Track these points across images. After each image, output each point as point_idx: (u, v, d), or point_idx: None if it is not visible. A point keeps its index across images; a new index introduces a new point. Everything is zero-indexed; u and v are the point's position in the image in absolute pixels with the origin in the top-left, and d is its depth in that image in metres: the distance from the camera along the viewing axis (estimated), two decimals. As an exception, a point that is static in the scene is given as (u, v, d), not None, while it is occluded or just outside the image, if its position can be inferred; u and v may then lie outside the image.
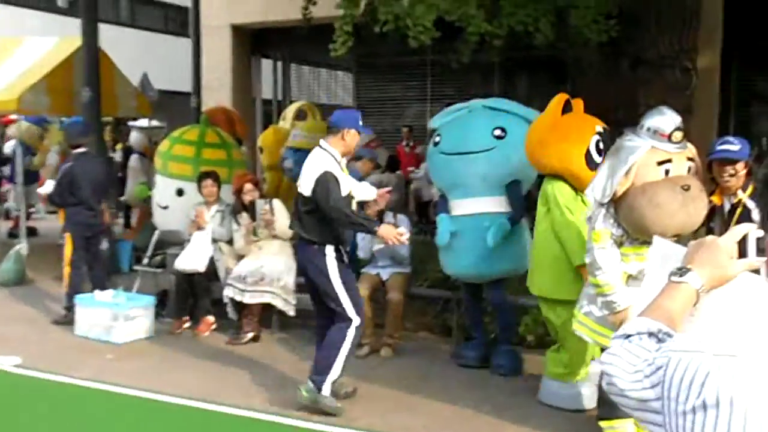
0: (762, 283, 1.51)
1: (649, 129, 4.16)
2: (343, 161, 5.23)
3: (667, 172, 4.12)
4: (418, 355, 6.49)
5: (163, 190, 8.09)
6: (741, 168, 4.28)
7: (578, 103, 5.29)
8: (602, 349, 4.38)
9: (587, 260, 4.27)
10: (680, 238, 4.15)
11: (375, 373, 5.98)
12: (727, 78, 11.58)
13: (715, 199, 4.40)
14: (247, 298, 6.78)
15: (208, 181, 7.32)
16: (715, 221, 4.38)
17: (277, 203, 7.11)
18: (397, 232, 5.09)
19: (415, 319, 7.25)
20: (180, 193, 7.87)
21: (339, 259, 5.18)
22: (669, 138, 4.10)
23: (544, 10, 5.93)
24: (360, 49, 6.25)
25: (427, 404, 5.38)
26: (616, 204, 4.18)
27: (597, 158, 4.92)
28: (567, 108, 5.18)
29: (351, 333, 5.12)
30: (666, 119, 4.14)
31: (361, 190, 5.50)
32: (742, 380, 1.13)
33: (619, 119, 6.48)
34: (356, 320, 5.13)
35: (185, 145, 8.11)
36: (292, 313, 6.90)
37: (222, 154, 8.16)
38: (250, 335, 6.86)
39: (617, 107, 6.45)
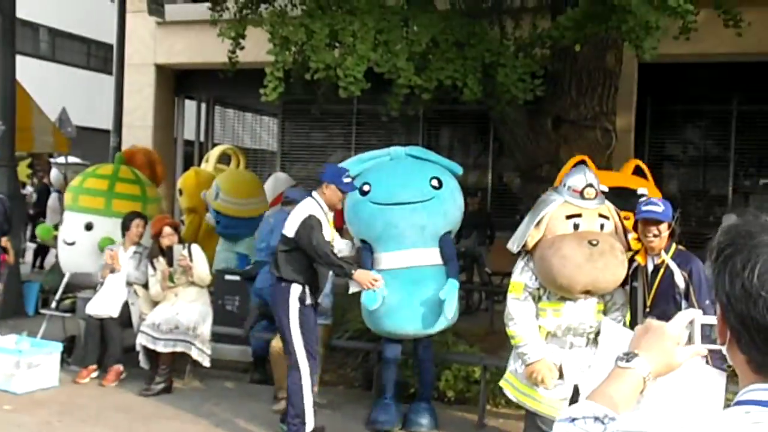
0: (709, 371, 1.51)
1: (565, 185, 4.31)
2: (330, 214, 5.45)
3: (576, 226, 4.24)
4: (336, 409, 6.34)
5: (70, 225, 7.81)
6: (664, 229, 4.37)
7: (591, 165, 5.20)
8: None
9: (506, 320, 4.31)
10: (591, 294, 4.22)
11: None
12: (641, 140, 12.05)
13: (640, 258, 4.47)
14: (160, 347, 6.51)
15: (140, 222, 7.08)
16: (638, 281, 4.45)
17: (195, 248, 6.90)
18: (372, 278, 5.25)
19: (335, 371, 7.10)
20: (89, 227, 7.61)
21: (302, 300, 5.28)
22: (581, 194, 4.24)
23: (471, 66, 6.02)
24: (287, 94, 6.19)
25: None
26: (532, 256, 4.26)
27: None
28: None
29: (305, 383, 5.22)
30: (580, 177, 4.30)
31: (339, 246, 5.69)
32: None
33: (542, 176, 6.63)
34: (304, 368, 5.21)
35: (98, 179, 7.91)
36: (207, 363, 6.66)
37: (136, 189, 7.99)
38: (162, 386, 6.57)
39: (541, 164, 6.56)
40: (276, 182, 10.91)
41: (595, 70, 6.53)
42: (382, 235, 5.65)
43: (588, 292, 4.24)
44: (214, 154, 10.49)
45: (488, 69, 6.09)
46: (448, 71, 5.91)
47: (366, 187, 5.75)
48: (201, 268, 6.71)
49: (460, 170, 6.02)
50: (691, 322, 1.50)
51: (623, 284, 4.36)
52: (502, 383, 4.56)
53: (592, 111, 6.58)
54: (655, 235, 4.37)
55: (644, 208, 4.46)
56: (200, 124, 15.79)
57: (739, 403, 1.16)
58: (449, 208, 5.72)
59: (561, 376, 4.33)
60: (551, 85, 6.41)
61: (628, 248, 4.37)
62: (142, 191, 7.99)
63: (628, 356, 1.46)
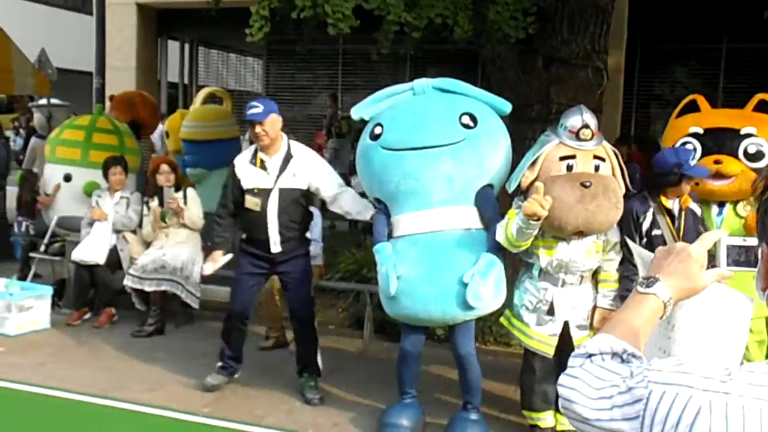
0: (734, 295, 1.45)
1: (562, 125, 4.28)
2: (267, 156, 5.12)
3: (569, 167, 4.21)
4: (328, 350, 6.38)
5: (49, 177, 7.71)
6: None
7: (703, 103, 4.96)
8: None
9: (501, 239, 4.25)
10: (584, 235, 4.23)
11: (282, 369, 5.84)
12: (630, 79, 11.98)
13: (664, 201, 4.50)
14: (146, 286, 6.50)
15: (117, 168, 6.97)
16: (661, 226, 4.47)
17: (191, 192, 6.82)
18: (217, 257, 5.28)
19: (325, 312, 7.14)
20: (67, 178, 7.52)
21: (242, 249, 5.31)
22: (577, 135, 4.21)
23: (462, 3, 5.90)
24: (273, 34, 6.06)
25: (337, 400, 5.28)
26: (527, 196, 4.24)
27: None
28: (694, 108, 4.95)
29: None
30: (577, 117, 4.27)
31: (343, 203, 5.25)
32: (735, 422, 1.02)
33: (533, 116, 6.57)
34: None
35: (75, 130, 7.77)
36: (196, 305, 6.68)
37: (113, 139, 7.81)
38: (154, 327, 6.60)
39: (531, 104, 6.50)
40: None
41: (587, 7, 6.41)
42: (397, 191, 4.45)
43: (580, 233, 4.25)
44: (200, 95, 10.33)
45: (479, 6, 5.98)
46: (439, 8, 5.78)
47: (377, 129, 4.57)
48: (194, 211, 6.66)
49: (507, 107, 4.64)
50: (716, 244, 1.43)
51: (619, 224, 4.35)
52: (501, 319, 4.61)
53: (584, 49, 6.48)
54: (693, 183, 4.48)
55: (694, 163, 4.42)
56: (184, 66, 15.55)
57: None
58: (487, 153, 4.43)
59: (552, 312, 4.37)
60: (542, 23, 6.30)
61: (627, 190, 4.35)
62: (120, 141, 7.84)
63: (649, 281, 1.39)
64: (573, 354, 1.33)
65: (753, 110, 4.82)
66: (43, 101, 10.59)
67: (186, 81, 15.67)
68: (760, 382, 1.04)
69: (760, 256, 1.13)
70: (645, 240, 4.44)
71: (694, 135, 4.68)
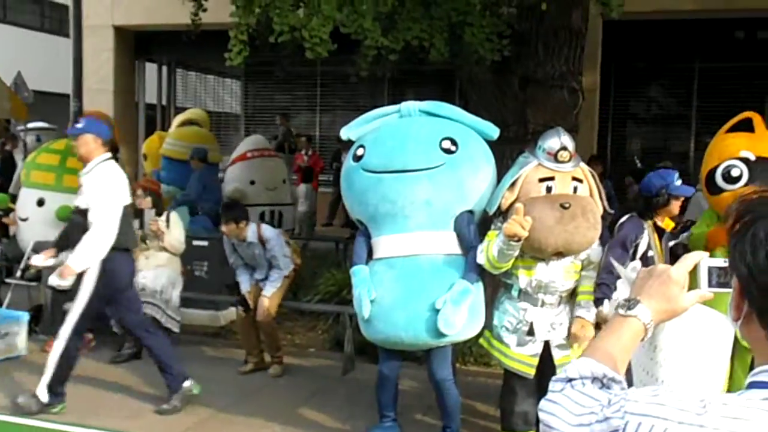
0: (716, 316, 1.45)
1: (540, 147, 4.32)
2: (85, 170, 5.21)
3: (549, 189, 4.25)
4: (308, 372, 6.37)
5: (24, 201, 7.63)
6: None
7: (759, 124, 4.52)
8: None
9: (482, 261, 4.28)
10: (563, 255, 4.27)
11: (262, 393, 5.82)
12: (606, 99, 12.13)
13: (665, 224, 4.72)
14: None
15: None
16: (653, 250, 4.61)
17: (174, 216, 6.77)
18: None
19: (305, 334, 7.12)
20: (40, 203, 7.44)
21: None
22: (555, 157, 4.26)
23: (439, 26, 5.96)
24: (250, 57, 6.08)
25: (317, 424, 5.25)
26: (506, 218, 4.27)
27: (720, 182, 4.41)
28: (747, 127, 4.48)
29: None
30: (555, 139, 4.31)
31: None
32: None
33: (510, 136, 6.61)
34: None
35: (50, 154, 7.67)
36: (176, 329, 6.63)
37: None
38: (131, 351, 6.54)
39: (508, 125, 6.55)
40: (248, 142, 10.90)
41: (562, 29, 6.50)
42: (376, 213, 4.44)
43: (560, 254, 4.28)
44: (178, 119, 10.36)
45: (455, 28, 6.04)
46: (415, 31, 5.84)
47: (360, 151, 4.56)
48: (175, 235, 6.63)
49: (494, 132, 4.62)
50: (697, 265, 1.43)
51: (602, 243, 4.41)
52: (481, 340, 4.61)
53: (559, 70, 6.56)
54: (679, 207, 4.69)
55: (679, 185, 4.66)
56: (162, 88, 15.52)
57: (756, 384, 1.09)
58: (467, 178, 4.38)
59: (532, 333, 4.38)
60: (518, 45, 6.38)
61: (604, 210, 4.42)
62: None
63: (630, 303, 1.39)
64: (554, 378, 1.33)
65: None
66: (33, 124, 10.51)
67: (164, 102, 15.64)
68: (734, 415, 1.04)
69: (732, 289, 1.14)
70: (639, 259, 4.55)
71: (744, 160, 4.26)
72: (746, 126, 4.36)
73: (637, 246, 4.54)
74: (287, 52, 6.45)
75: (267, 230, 6.21)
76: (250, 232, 6.09)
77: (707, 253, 1.45)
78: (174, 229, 6.68)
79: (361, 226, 4.68)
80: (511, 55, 6.30)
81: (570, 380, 1.30)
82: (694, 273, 1.45)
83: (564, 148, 4.27)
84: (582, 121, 7.24)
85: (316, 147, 13.70)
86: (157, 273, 6.60)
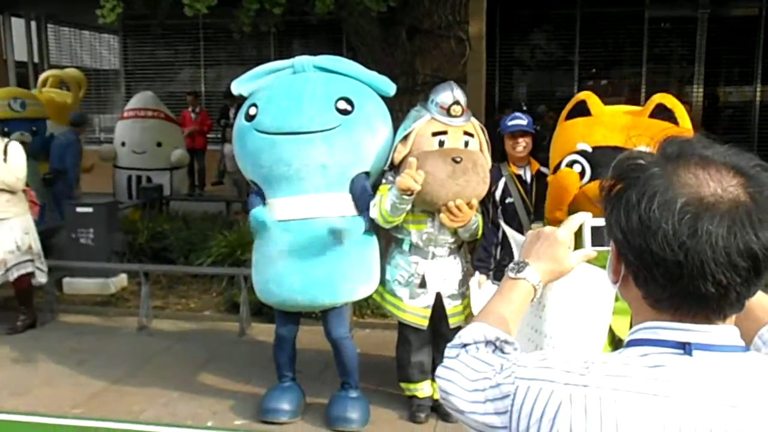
0: (600, 273, 1.50)
1: (433, 101, 4.31)
2: None
3: (441, 143, 4.26)
4: (205, 336, 6.25)
5: None
6: (530, 141, 4.66)
7: (594, 105, 4.10)
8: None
9: (375, 215, 4.26)
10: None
11: (157, 360, 5.67)
12: (492, 46, 12.26)
13: (512, 169, 4.70)
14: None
15: None
16: (513, 195, 4.66)
17: (14, 145, 6.06)
18: None
19: (199, 297, 6.97)
20: None
21: None
22: (448, 111, 4.26)
23: (322, -24, 5.80)
24: (127, 10, 5.75)
25: (215, 388, 5.17)
26: (398, 171, 4.26)
27: None
28: (583, 110, 4.10)
29: None
30: (447, 93, 4.31)
31: None
32: (593, 413, 1.05)
33: (400, 87, 6.55)
34: None
35: None
36: (43, 279, 6.31)
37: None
38: (28, 321, 6.27)
39: (396, 76, 6.49)
40: (132, 101, 10.52)
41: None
42: (270, 176, 4.30)
43: (448, 205, 4.30)
44: (40, 80, 9.82)
45: (339, -21, 5.90)
46: (299, -17, 5.68)
47: (252, 110, 4.36)
48: (13, 169, 5.98)
49: (390, 88, 4.49)
50: (581, 226, 1.48)
51: (482, 200, 4.44)
52: (374, 294, 4.62)
53: (446, 20, 6.54)
54: (524, 147, 4.65)
55: (510, 123, 4.68)
56: (32, 44, 14.65)
57: (634, 342, 1.12)
58: (363, 139, 4.28)
59: (424, 285, 4.43)
60: (404, -6, 6.31)
61: (494, 163, 4.48)
62: None
63: (519, 266, 1.45)
64: (449, 345, 1.35)
65: (650, 116, 3.93)
66: None
67: (36, 60, 14.77)
68: (615, 373, 1.07)
69: (610, 252, 1.16)
70: (500, 208, 4.66)
71: (582, 153, 3.95)
72: (582, 109, 4.11)
73: (494, 192, 4.62)
74: (164, 8, 6.15)
75: None
76: None
77: (590, 214, 1.49)
78: (13, 161, 6.02)
79: (255, 187, 4.51)
80: (397, 5, 6.22)
81: (464, 345, 1.32)
82: (579, 233, 1.48)
83: (457, 103, 4.28)
84: (470, 70, 7.26)
85: (202, 104, 13.28)
86: (2, 229, 6.05)
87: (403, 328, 4.62)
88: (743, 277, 1.03)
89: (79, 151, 9.00)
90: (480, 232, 4.50)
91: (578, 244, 1.49)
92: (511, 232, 1.79)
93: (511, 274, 1.44)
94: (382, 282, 4.59)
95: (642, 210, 1.05)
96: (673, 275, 1.04)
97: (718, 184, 1.03)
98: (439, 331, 4.50)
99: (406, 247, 4.47)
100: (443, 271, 4.46)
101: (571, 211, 3.57)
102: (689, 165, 1.06)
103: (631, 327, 1.16)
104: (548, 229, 1.50)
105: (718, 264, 1.01)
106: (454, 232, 4.40)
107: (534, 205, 4.63)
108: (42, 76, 10.20)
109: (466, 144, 4.33)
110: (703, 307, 1.06)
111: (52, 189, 8.71)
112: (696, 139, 1.11)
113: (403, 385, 4.74)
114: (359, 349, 4.82)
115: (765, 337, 1.28)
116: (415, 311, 4.47)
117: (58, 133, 9.02)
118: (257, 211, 4.28)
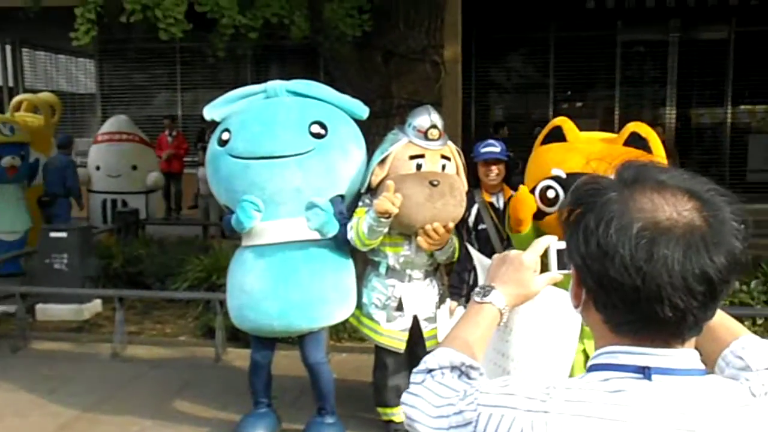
0: (566, 295, 1.51)
1: (410, 125, 4.32)
2: None
3: (419, 167, 4.27)
4: (178, 362, 6.18)
5: None
6: (503, 168, 4.73)
7: (569, 130, 3.96)
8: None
9: (352, 238, 4.26)
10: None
11: (130, 388, 5.60)
12: (468, 69, 12.36)
13: (485, 197, 4.75)
14: None
15: None
16: (486, 221, 4.71)
17: None
18: None
19: (175, 322, 6.91)
20: None
21: None
22: (425, 135, 4.27)
23: (298, 2, 5.84)
24: (103, 33, 5.75)
25: (190, 416, 5.10)
26: (375, 195, 4.26)
27: (540, 205, 3.83)
28: (558, 136, 3.97)
29: None
30: (425, 117, 4.32)
31: None
32: None
33: (376, 111, 6.60)
34: None
35: None
36: None
37: None
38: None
39: (373, 100, 6.53)
40: (106, 124, 10.49)
41: (422, 2, 6.53)
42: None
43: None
44: (12, 104, 9.75)
45: (315, 4, 5.94)
46: (274, 8, 5.69)
47: (225, 135, 4.34)
48: None
49: (363, 111, 4.52)
50: (547, 249, 1.48)
51: (456, 225, 4.45)
52: (350, 318, 4.61)
53: (421, 44, 6.60)
54: (496, 174, 4.72)
55: (483, 150, 4.72)
56: (7, 68, 14.59)
57: (595, 367, 1.12)
58: (337, 163, 4.29)
59: (401, 308, 4.42)
60: (379, 19, 6.35)
61: (468, 189, 4.51)
62: None
63: (485, 290, 1.44)
64: (414, 370, 1.34)
65: (624, 144, 3.80)
66: None
67: (11, 84, 14.70)
68: (576, 398, 1.07)
69: (571, 277, 1.17)
70: (473, 235, 4.69)
71: (557, 179, 3.85)
72: (557, 135, 4.01)
73: (467, 219, 4.65)
74: (140, 32, 6.16)
75: None
76: None
77: (555, 237, 1.49)
78: None
79: (229, 211, 4.45)
80: (372, 30, 6.27)
81: (430, 371, 1.31)
82: (545, 256, 1.49)
83: (434, 126, 4.29)
84: (446, 94, 7.32)
85: (179, 127, 13.25)
86: None
87: (380, 351, 4.59)
88: (700, 301, 1.03)
89: (76, 170, 9.02)
90: (456, 254, 4.51)
91: (544, 267, 1.49)
92: (477, 255, 1.80)
93: (477, 299, 1.43)
94: (359, 305, 4.58)
95: (600, 235, 1.05)
96: (631, 300, 1.04)
97: (673, 208, 1.04)
98: (416, 355, 4.47)
99: (382, 270, 4.46)
100: (420, 293, 4.45)
101: (541, 234, 3.59)
102: (645, 189, 1.07)
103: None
104: (514, 252, 1.49)
105: (675, 288, 1.02)
106: (431, 255, 4.41)
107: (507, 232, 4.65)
108: (14, 100, 10.12)
109: (443, 167, 4.35)
110: (661, 332, 1.07)
111: (45, 212, 8.66)
112: (652, 164, 1.12)
113: (380, 409, 4.71)
114: (336, 374, 4.79)
115: (728, 359, 1.29)
116: (393, 335, 4.46)
117: (49, 157, 8.96)
118: (239, 212, 4.19)
